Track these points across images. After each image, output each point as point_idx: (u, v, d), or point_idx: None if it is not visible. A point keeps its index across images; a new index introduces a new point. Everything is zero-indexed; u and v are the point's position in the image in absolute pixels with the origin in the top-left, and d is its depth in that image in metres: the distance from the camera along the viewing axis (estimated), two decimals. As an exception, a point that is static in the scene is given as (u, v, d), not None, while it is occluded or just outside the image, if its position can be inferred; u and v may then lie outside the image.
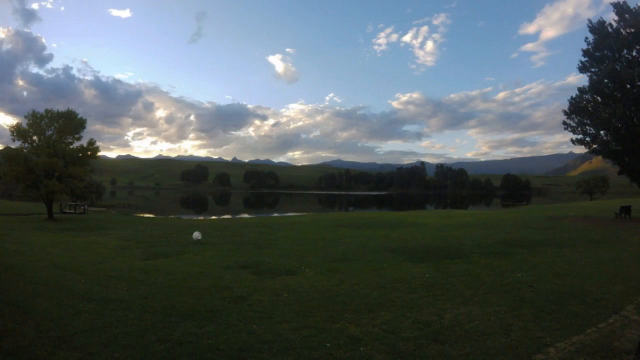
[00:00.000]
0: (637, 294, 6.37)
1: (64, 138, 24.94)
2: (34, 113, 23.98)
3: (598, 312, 5.49)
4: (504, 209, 54.20)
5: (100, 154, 27.08)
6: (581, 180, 79.63)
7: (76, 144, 25.68)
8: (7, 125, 24.10)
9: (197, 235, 13.54)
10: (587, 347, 4.35)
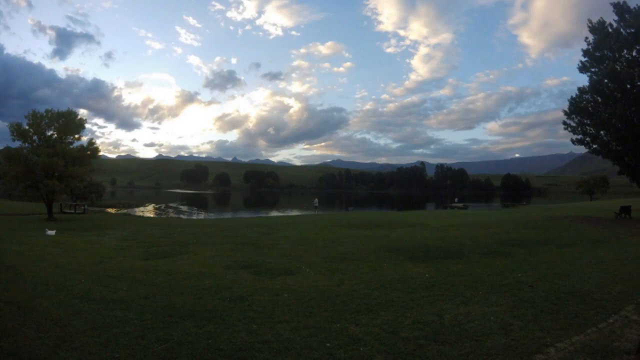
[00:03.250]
0: (637, 294, 6.37)
1: (64, 138, 24.97)
2: (34, 113, 23.98)
3: (598, 312, 5.49)
4: (504, 209, 54.22)
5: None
6: (581, 180, 79.54)
7: (76, 144, 25.74)
8: (8, 125, 24.12)
9: (50, 232, 15.51)
10: (587, 347, 4.35)
